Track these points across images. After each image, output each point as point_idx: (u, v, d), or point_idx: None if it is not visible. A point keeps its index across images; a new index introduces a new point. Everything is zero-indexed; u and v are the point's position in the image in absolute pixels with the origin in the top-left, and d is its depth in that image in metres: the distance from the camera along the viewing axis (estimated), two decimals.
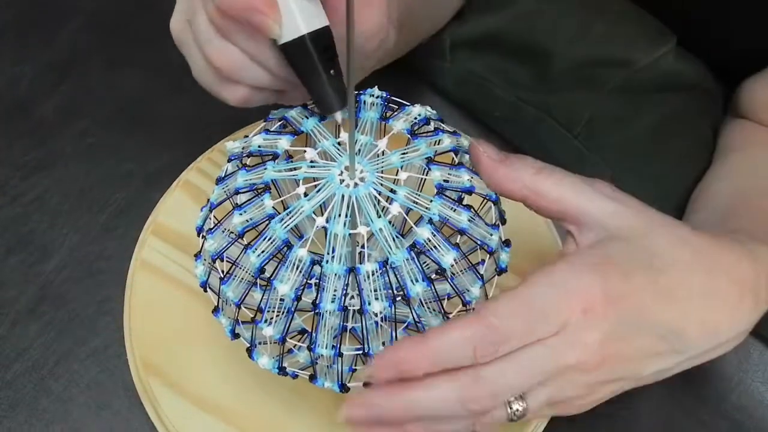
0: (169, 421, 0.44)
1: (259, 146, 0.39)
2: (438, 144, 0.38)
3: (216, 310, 0.40)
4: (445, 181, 0.37)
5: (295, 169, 0.37)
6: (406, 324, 0.37)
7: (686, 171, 0.56)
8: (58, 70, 0.62)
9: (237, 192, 0.37)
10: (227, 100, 0.41)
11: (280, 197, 0.40)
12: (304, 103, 0.41)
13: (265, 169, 0.37)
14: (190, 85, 0.41)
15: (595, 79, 0.57)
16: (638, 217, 0.36)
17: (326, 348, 0.37)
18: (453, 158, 0.38)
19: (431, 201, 0.36)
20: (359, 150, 0.38)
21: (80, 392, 0.47)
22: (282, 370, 0.39)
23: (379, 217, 0.35)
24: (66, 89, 0.61)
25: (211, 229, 0.39)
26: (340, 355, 0.37)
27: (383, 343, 0.37)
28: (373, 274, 0.35)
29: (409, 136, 0.39)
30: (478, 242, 0.37)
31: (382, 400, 0.33)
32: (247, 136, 0.40)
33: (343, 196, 0.36)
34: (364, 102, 0.40)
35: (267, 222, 0.36)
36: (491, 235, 0.37)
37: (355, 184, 0.36)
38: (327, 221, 0.35)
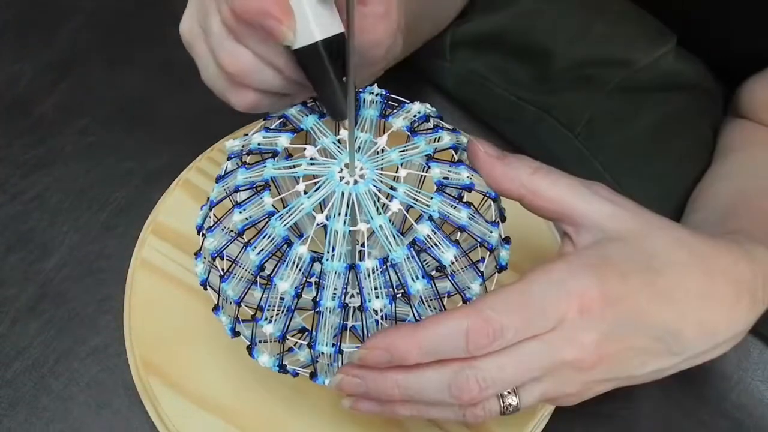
0: (169, 420, 0.44)
1: (258, 144, 0.39)
2: (437, 141, 0.38)
3: (216, 308, 0.40)
4: (444, 178, 0.37)
5: (294, 166, 0.37)
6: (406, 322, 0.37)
7: (686, 171, 0.56)
8: (58, 69, 0.62)
9: (237, 190, 0.37)
10: (235, 105, 0.40)
11: (280, 195, 0.40)
12: (304, 101, 0.41)
13: (265, 166, 0.37)
14: (191, 84, 0.41)
15: (595, 79, 0.57)
16: (636, 219, 0.36)
17: (327, 346, 0.37)
18: (453, 155, 0.38)
19: (431, 198, 0.36)
20: (359, 147, 0.38)
21: (80, 391, 0.47)
22: (282, 368, 0.39)
23: (379, 214, 0.35)
24: (66, 88, 0.61)
25: (211, 227, 0.39)
26: (341, 352, 0.37)
27: None
28: (373, 272, 0.35)
29: (408, 133, 0.39)
30: (479, 239, 0.37)
31: (371, 375, 0.34)
32: (247, 135, 0.40)
33: (342, 194, 0.36)
34: (364, 100, 0.40)
35: (267, 220, 0.36)
36: (491, 232, 0.37)
37: (355, 182, 0.36)
38: (327, 219, 0.35)
